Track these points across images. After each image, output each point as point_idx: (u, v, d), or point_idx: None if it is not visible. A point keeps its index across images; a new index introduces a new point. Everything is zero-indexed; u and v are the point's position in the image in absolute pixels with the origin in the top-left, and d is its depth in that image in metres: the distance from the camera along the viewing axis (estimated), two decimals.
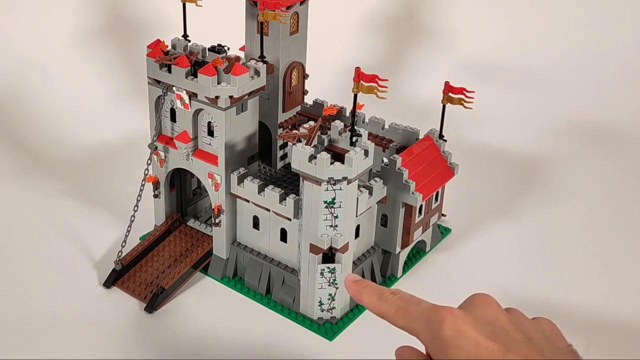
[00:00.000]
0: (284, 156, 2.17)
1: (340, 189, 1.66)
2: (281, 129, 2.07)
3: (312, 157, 1.64)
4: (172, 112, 1.90)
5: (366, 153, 1.67)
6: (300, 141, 1.67)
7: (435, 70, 3.04)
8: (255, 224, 1.90)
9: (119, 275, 1.94)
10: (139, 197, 1.92)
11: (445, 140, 2.00)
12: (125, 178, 2.36)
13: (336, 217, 1.70)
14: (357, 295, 0.84)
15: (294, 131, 1.70)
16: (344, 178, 1.65)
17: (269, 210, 1.83)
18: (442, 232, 2.19)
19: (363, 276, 1.92)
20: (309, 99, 2.15)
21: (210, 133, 1.85)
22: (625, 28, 3.23)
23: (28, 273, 1.99)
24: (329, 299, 1.81)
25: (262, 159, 2.10)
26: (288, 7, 1.91)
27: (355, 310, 1.88)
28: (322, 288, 1.79)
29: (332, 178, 1.64)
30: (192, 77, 1.78)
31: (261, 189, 1.81)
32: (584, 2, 3.27)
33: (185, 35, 1.93)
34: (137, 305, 1.88)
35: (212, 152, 1.86)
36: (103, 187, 2.37)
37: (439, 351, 0.73)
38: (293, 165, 1.68)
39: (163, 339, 1.78)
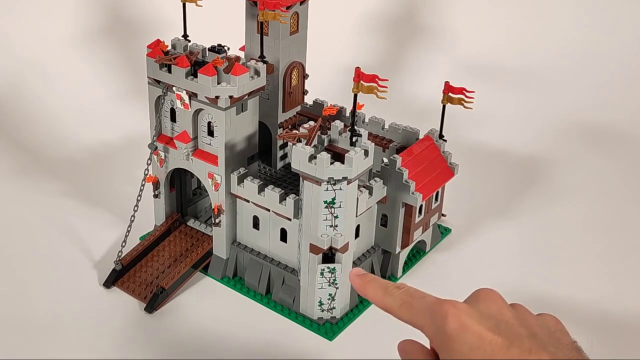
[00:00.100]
0: (284, 156, 2.17)
1: (340, 189, 1.66)
2: (281, 129, 2.07)
3: (312, 157, 1.64)
4: (172, 112, 1.90)
5: (366, 153, 1.67)
6: (300, 141, 1.67)
7: (435, 70, 3.04)
8: (255, 224, 1.90)
9: (119, 275, 1.94)
10: (139, 197, 1.92)
11: (445, 140, 2.00)
12: (125, 178, 2.36)
13: (336, 217, 1.70)
14: (362, 289, 0.83)
15: (294, 131, 1.70)
16: (344, 178, 1.65)
17: (269, 210, 1.83)
18: (442, 232, 2.19)
19: None
20: (309, 99, 2.15)
21: (210, 133, 1.85)
22: (625, 28, 3.23)
23: (28, 273, 1.99)
24: (329, 299, 1.81)
25: (262, 159, 2.10)
26: (288, 7, 1.91)
27: (355, 310, 1.88)
28: (322, 288, 1.79)
29: (332, 178, 1.64)
30: (192, 77, 1.78)
31: (261, 189, 1.81)
32: (584, 2, 3.27)
33: (185, 35, 1.93)
34: (137, 305, 1.88)
35: (212, 152, 1.86)
36: (103, 187, 2.37)
37: (443, 345, 0.73)
38: (293, 165, 1.68)
39: (163, 339, 1.78)
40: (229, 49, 1.89)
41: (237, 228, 1.95)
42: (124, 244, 1.93)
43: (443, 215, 2.11)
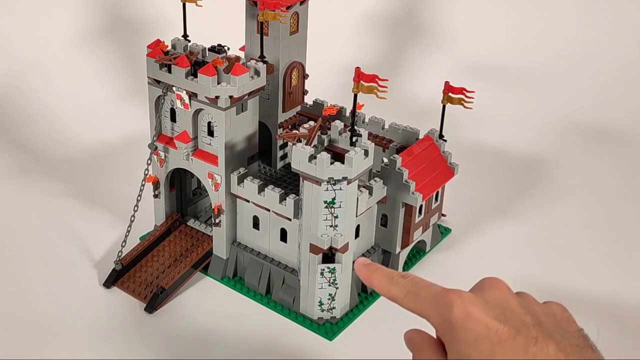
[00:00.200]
0: (284, 156, 2.17)
1: (340, 189, 1.66)
2: (281, 129, 2.07)
3: (312, 157, 1.64)
4: (172, 112, 1.90)
5: (366, 153, 1.67)
6: (300, 141, 1.67)
7: (435, 70, 3.04)
8: (255, 224, 1.90)
9: (119, 275, 1.94)
10: (139, 197, 1.92)
11: (445, 140, 2.00)
12: (125, 178, 2.36)
13: (336, 217, 1.70)
14: (367, 278, 0.83)
15: (294, 131, 1.70)
16: (344, 178, 1.65)
17: (269, 210, 1.83)
18: (442, 232, 2.19)
19: None
20: (309, 99, 2.15)
21: (210, 133, 1.85)
22: (625, 28, 3.23)
23: (28, 273, 1.99)
24: (329, 299, 1.81)
25: (262, 159, 2.10)
26: (288, 7, 1.91)
27: (355, 310, 1.88)
28: (322, 288, 1.79)
29: (332, 178, 1.64)
30: (192, 77, 1.78)
31: (261, 189, 1.81)
32: (584, 2, 3.27)
33: (185, 35, 1.93)
34: (137, 305, 1.88)
35: (212, 152, 1.86)
36: (103, 187, 2.37)
37: (449, 334, 0.73)
38: (293, 165, 1.68)
39: (163, 339, 1.78)
40: (229, 49, 1.89)
41: (237, 228, 1.95)
42: (124, 244, 1.93)
43: (443, 215, 2.11)
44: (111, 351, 1.74)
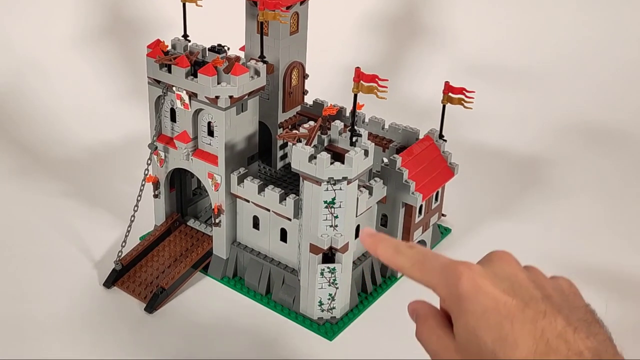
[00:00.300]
0: (284, 156, 2.17)
1: (340, 189, 1.66)
2: (281, 129, 2.07)
3: (312, 157, 1.64)
4: (172, 112, 1.90)
5: (366, 153, 1.67)
6: (300, 141, 1.67)
7: (435, 70, 3.04)
8: (255, 224, 1.90)
9: (119, 275, 1.94)
10: (139, 197, 1.92)
11: (445, 140, 2.00)
12: (125, 178, 2.36)
13: (336, 217, 1.70)
14: (373, 248, 0.80)
15: (294, 131, 1.70)
16: (344, 178, 1.65)
17: (269, 210, 1.83)
18: (442, 232, 2.19)
19: (363, 276, 1.92)
20: (309, 99, 2.15)
21: (210, 133, 1.85)
22: (625, 28, 3.23)
23: (28, 273, 1.98)
24: (329, 299, 1.81)
25: (262, 159, 2.10)
26: (288, 7, 1.91)
27: (355, 310, 1.88)
28: (322, 288, 1.79)
29: (332, 178, 1.64)
30: (192, 77, 1.78)
31: (261, 189, 1.81)
32: (584, 2, 3.27)
33: (185, 35, 1.93)
34: (137, 305, 1.88)
35: (212, 152, 1.86)
36: (103, 187, 2.37)
37: (456, 305, 0.72)
38: (293, 165, 1.68)
39: (163, 339, 1.78)
40: (229, 49, 1.89)
41: (237, 228, 1.95)
42: (124, 244, 1.93)
43: (443, 215, 2.11)
44: (111, 351, 1.74)
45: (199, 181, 2.06)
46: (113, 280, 1.93)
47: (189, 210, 2.11)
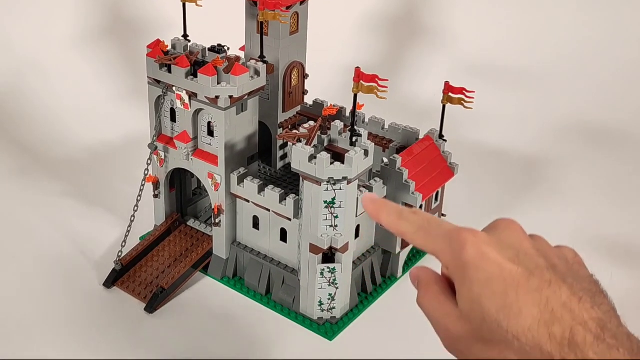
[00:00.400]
0: (284, 156, 2.17)
1: (340, 189, 1.66)
2: (281, 129, 2.07)
3: (312, 157, 1.64)
4: (172, 112, 1.90)
5: (366, 153, 1.67)
6: (300, 141, 1.67)
7: (435, 70, 3.04)
8: (255, 224, 1.90)
9: (119, 275, 1.94)
10: (139, 197, 1.92)
11: (445, 140, 2.00)
12: (125, 178, 2.36)
13: (336, 217, 1.70)
14: (375, 213, 0.79)
15: (294, 131, 1.70)
16: (344, 178, 1.65)
17: (269, 210, 1.83)
18: None
19: (363, 276, 1.92)
20: (309, 99, 2.15)
21: (210, 133, 1.85)
22: (625, 28, 3.23)
23: (28, 273, 1.98)
24: (329, 299, 1.81)
25: (262, 159, 2.10)
26: (288, 7, 1.91)
27: (355, 310, 1.88)
28: (322, 288, 1.79)
29: (332, 178, 1.64)
30: (192, 77, 1.78)
31: (261, 189, 1.81)
32: (584, 2, 3.27)
33: (185, 35, 1.93)
34: (137, 305, 1.88)
35: (212, 152, 1.86)
36: (103, 187, 2.37)
37: (459, 272, 0.71)
38: (293, 165, 1.68)
39: (163, 339, 1.78)
40: (229, 49, 1.89)
41: (237, 228, 1.95)
42: (124, 244, 1.93)
43: (443, 215, 2.11)
44: (111, 351, 1.74)
45: (199, 181, 2.06)
46: (113, 280, 1.93)
47: (189, 210, 2.11)
